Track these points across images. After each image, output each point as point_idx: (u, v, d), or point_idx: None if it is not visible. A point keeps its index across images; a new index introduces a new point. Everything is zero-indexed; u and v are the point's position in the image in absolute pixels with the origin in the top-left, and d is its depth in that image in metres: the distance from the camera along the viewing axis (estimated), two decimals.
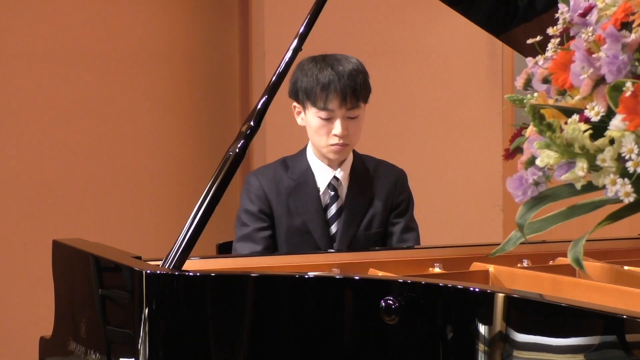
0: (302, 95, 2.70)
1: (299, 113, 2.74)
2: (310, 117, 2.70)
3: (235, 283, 2.04)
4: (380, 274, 2.27)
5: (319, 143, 2.71)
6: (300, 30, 2.43)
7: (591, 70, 1.51)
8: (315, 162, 2.75)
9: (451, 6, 2.80)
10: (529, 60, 1.70)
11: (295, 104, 2.75)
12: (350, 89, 2.65)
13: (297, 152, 2.82)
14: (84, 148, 4.34)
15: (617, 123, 1.45)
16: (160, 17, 4.49)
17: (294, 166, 2.77)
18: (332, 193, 2.75)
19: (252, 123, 2.25)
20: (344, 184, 2.75)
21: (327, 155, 2.73)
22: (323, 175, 2.75)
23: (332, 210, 2.75)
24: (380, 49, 4.58)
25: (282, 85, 2.36)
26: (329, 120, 2.67)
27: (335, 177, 2.75)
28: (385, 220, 2.80)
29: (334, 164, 2.75)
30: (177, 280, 2.01)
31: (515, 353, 1.73)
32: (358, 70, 2.69)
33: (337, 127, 2.66)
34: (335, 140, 2.68)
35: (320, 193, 2.74)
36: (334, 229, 2.74)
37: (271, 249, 2.73)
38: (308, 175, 2.75)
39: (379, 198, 2.78)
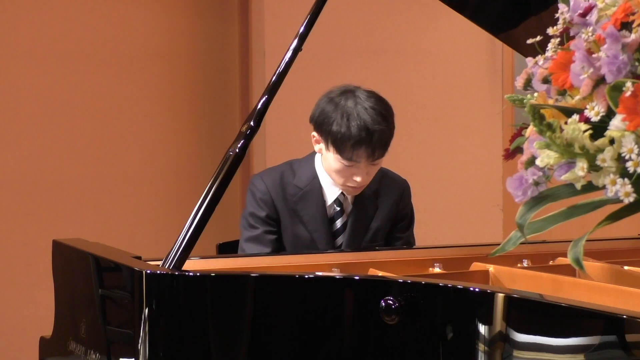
0: (327, 137, 2.61)
1: (317, 142, 2.67)
2: (331, 159, 2.63)
3: (235, 283, 2.04)
4: (380, 274, 2.27)
5: (335, 180, 2.67)
6: (300, 30, 2.43)
7: (591, 70, 1.50)
8: (324, 175, 2.72)
9: (458, 11, 2.79)
10: (529, 60, 1.69)
11: (315, 133, 2.66)
12: (380, 145, 2.58)
13: (305, 157, 2.79)
14: (84, 148, 4.34)
15: (617, 123, 1.45)
16: (160, 17, 4.49)
17: (301, 173, 2.74)
18: (338, 209, 2.73)
19: (252, 123, 2.25)
20: (350, 200, 2.74)
21: (342, 190, 2.70)
22: (330, 190, 2.72)
23: (338, 224, 2.74)
24: (380, 49, 4.58)
25: (282, 85, 2.36)
26: (352, 167, 2.61)
27: (342, 193, 2.73)
28: (388, 232, 2.79)
29: None
30: (177, 280, 2.01)
31: (515, 353, 1.73)
32: (387, 120, 2.61)
33: (360, 175, 2.61)
34: (354, 184, 2.64)
35: (327, 205, 2.73)
36: (339, 240, 2.74)
37: (278, 251, 2.72)
38: (315, 185, 2.72)
39: (383, 211, 2.77)
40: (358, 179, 2.62)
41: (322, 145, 2.66)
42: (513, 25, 2.77)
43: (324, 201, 2.73)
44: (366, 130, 2.56)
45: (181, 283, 2.01)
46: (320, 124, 2.63)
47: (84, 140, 4.34)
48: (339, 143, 2.58)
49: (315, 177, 2.72)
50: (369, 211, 2.75)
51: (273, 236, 2.72)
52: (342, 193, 2.72)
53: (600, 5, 1.59)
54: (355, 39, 4.54)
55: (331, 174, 2.67)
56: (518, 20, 2.73)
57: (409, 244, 2.83)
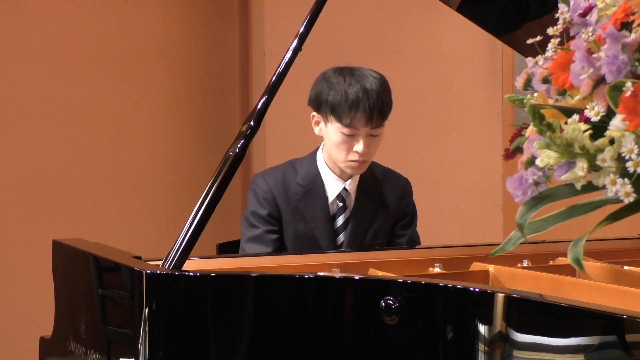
0: (326, 108, 2.64)
1: (317, 123, 2.69)
2: (331, 131, 2.64)
3: (235, 283, 2.04)
4: (380, 274, 2.27)
5: (337, 157, 2.67)
6: (300, 30, 2.43)
7: (591, 70, 1.50)
8: (326, 171, 2.73)
9: (459, 11, 2.79)
10: (529, 60, 1.69)
11: (314, 113, 2.69)
12: (378, 108, 2.60)
13: (307, 155, 2.79)
14: (84, 148, 4.34)
15: (617, 123, 1.44)
16: (160, 18, 4.49)
17: (303, 171, 2.74)
18: (341, 204, 2.73)
19: (252, 123, 2.25)
20: (352, 195, 2.74)
21: (344, 170, 2.69)
22: (333, 185, 2.73)
23: (340, 220, 2.74)
24: (380, 49, 4.58)
25: (282, 85, 2.36)
26: (352, 136, 2.62)
27: (344, 189, 2.73)
28: (390, 231, 2.79)
29: (344, 175, 2.72)
30: (177, 280, 2.01)
31: (515, 353, 1.73)
32: (385, 88, 2.65)
33: (360, 144, 2.62)
34: (355, 157, 2.64)
35: (329, 202, 2.74)
36: (341, 238, 2.74)
37: (279, 251, 2.72)
38: (317, 182, 2.72)
39: (385, 209, 2.77)
40: (359, 148, 2.62)
41: (322, 125, 2.68)
42: (513, 25, 2.78)
43: (326, 198, 2.73)
44: (363, 91, 2.59)
45: (181, 283, 2.01)
46: (317, 98, 2.66)
47: (84, 140, 4.34)
48: (336, 108, 2.61)
49: (317, 174, 2.73)
50: (371, 209, 2.75)
51: (274, 235, 2.71)
52: (344, 189, 2.72)
53: (600, 5, 1.59)
54: (356, 40, 4.54)
55: (332, 153, 2.67)
56: (518, 20, 2.73)
57: (413, 241, 2.83)
